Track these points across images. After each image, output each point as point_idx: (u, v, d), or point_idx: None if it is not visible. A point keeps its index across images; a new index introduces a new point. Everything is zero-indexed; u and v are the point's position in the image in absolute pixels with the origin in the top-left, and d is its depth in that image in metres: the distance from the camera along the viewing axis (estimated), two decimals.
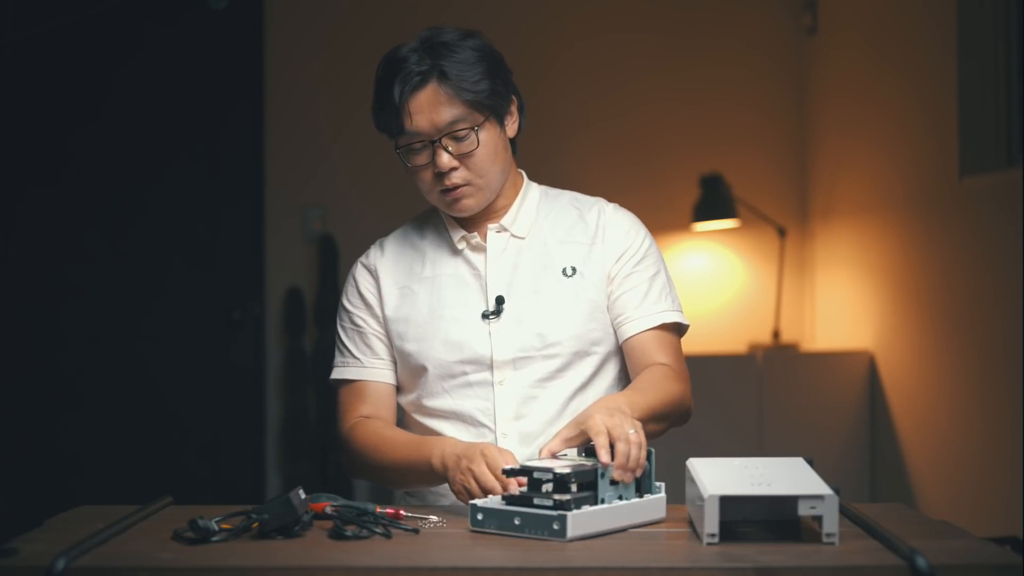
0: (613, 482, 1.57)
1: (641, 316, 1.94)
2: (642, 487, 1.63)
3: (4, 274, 4.09)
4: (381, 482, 1.97)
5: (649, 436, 1.78)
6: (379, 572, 1.38)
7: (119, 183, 4.31)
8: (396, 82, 1.87)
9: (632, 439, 1.59)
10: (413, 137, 1.87)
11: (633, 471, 1.59)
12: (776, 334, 4.57)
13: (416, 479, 1.86)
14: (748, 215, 4.60)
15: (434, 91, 1.86)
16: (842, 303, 4.46)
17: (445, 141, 1.86)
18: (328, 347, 4.53)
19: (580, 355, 1.92)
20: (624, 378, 1.99)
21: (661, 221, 4.56)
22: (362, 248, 2.08)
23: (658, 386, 1.85)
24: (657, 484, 1.64)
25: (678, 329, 1.98)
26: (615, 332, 1.96)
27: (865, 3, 4.35)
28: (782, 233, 4.62)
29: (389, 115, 1.88)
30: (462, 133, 1.86)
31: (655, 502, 1.62)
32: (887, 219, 4.07)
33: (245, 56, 4.53)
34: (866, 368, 4.17)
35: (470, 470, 1.69)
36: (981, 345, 3.47)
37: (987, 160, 3.45)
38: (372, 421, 1.95)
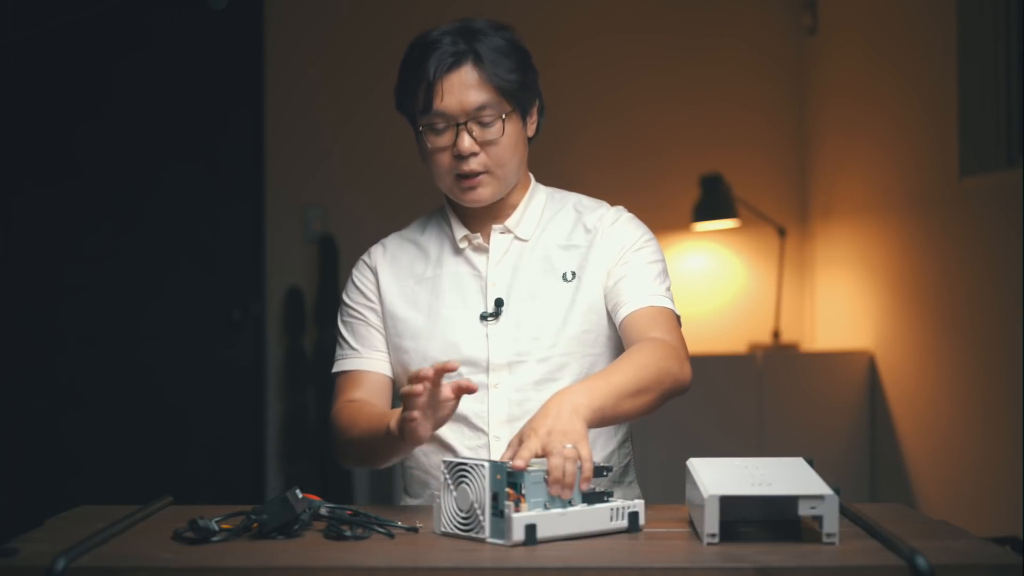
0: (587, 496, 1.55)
1: (635, 298, 1.90)
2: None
3: (4, 274, 4.09)
4: (359, 461, 1.92)
5: (632, 413, 1.74)
6: (379, 572, 1.37)
7: (119, 183, 4.31)
8: (430, 60, 1.86)
9: (567, 454, 1.53)
10: (438, 117, 1.87)
11: (570, 486, 1.53)
12: (776, 334, 4.57)
13: (384, 449, 1.80)
14: (748, 215, 4.60)
15: (467, 73, 1.86)
16: (842, 303, 4.46)
17: (470, 125, 1.86)
18: (328, 347, 4.54)
19: (575, 357, 1.92)
20: None
21: (661, 221, 4.56)
22: (362, 248, 2.08)
23: (635, 361, 1.78)
24: (608, 494, 1.59)
25: (674, 316, 1.94)
26: (611, 320, 1.93)
27: (865, 3, 4.35)
28: (782, 233, 4.62)
29: (416, 93, 1.88)
30: (488, 119, 1.86)
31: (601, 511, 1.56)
32: (887, 219, 4.07)
33: (245, 56, 4.53)
34: (866, 368, 4.17)
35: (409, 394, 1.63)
36: (981, 345, 3.47)
37: (987, 160, 3.44)
38: (355, 403, 1.93)
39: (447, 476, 1.55)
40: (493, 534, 1.48)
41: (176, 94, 4.38)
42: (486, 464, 1.50)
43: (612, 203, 2.05)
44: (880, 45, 4.14)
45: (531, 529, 1.47)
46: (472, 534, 1.51)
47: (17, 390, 4.12)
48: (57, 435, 4.19)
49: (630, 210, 2.04)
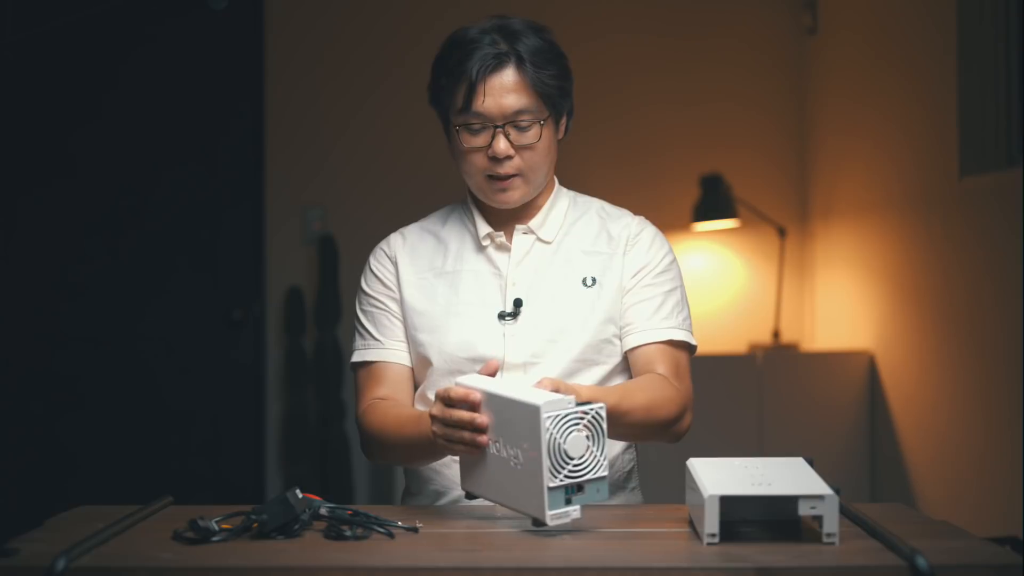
0: None
1: (649, 328, 1.92)
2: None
3: (4, 274, 4.09)
4: (395, 462, 1.96)
5: (614, 436, 1.74)
6: (379, 572, 1.38)
7: (119, 183, 4.31)
8: (472, 60, 1.84)
9: None
10: (476, 118, 1.85)
11: None
12: (776, 334, 4.57)
13: (424, 455, 1.83)
14: (748, 215, 4.60)
15: (509, 76, 1.84)
16: (842, 303, 4.46)
17: (507, 128, 1.85)
18: (328, 347, 4.55)
19: (588, 363, 1.91)
20: None
21: (661, 221, 4.48)
22: (362, 248, 2.08)
23: (641, 392, 1.81)
24: None
25: (687, 349, 1.96)
26: (621, 341, 1.94)
27: (865, 3, 4.35)
28: (782, 233, 4.62)
29: (455, 92, 1.86)
30: (525, 123, 1.86)
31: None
32: (887, 219, 4.07)
33: (245, 56, 4.53)
34: (866, 368, 4.17)
35: (440, 420, 1.62)
36: (981, 345, 3.47)
37: (987, 160, 3.44)
38: (383, 403, 1.93)
39: (560, 422, 1.49)
40: (552, 504, 1.48)
41: (176, 95, 4.38)
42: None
43: (613, 203, 2.05)
44: (880, 45, 4.14)
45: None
46: (585, 475, 1.49)
47: (17, 390, 4.12)
48: (57, 435, 4.19)
49: (630, 210, 2.05)
